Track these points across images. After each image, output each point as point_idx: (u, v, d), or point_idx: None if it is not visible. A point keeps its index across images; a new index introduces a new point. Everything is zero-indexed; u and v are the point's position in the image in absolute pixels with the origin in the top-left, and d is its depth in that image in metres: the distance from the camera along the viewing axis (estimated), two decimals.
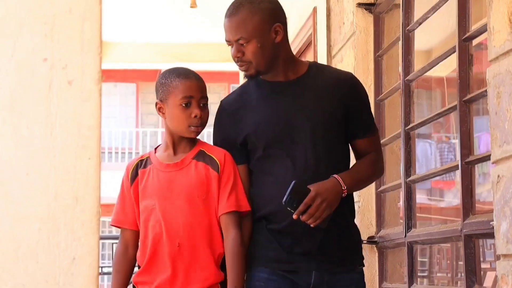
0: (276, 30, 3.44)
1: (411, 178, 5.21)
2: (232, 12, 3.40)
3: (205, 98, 3.72)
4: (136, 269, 3.83)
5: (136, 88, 24.98)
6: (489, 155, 3.39)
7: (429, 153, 11.53)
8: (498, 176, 3.25)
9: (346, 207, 3.64)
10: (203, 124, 3.71)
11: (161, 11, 9.42)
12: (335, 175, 3.47)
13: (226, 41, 3.48)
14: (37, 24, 2.30)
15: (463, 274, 4.45)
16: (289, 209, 3.35)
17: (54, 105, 2.30)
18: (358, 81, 3.75)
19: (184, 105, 3.65)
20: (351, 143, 3.69)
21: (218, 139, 3.77)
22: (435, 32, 7.04)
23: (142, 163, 3.80)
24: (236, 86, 13.64)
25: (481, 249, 4.51)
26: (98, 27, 2.34)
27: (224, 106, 3.72)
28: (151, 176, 3.73)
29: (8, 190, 2.27)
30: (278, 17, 3.50)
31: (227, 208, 3.68)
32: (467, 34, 4.12)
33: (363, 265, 3.74)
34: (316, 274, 3.48)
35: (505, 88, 3.12)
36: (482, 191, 6.52)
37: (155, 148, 3.89)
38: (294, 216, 3.32)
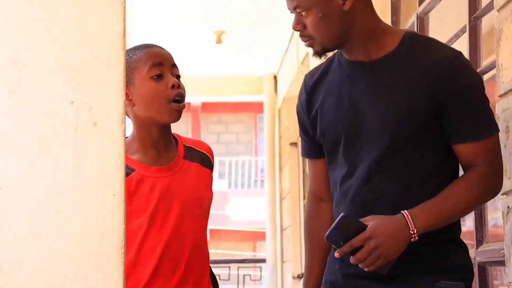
0: None
1: None
2: None
3: (177, 68, 2.93)
4: None
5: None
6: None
7: None
8: (508, 207, 3.25)
9: None
10: (183, 98, 2.88)
11: (188, 47, 9.34)
12: (405, 212, 2.45)
13: (288, 8, 2.64)
14: (65, 69, 2.34)
15: None
16: (333, 246, 2.55)
17: (80, 145, 2.33)
18: (464, 65, 2.56)
19: (155, 77, 2.84)
20: (454, 149, 2.58)
21: (298, 120, 2.88)
22: None
23: None
24: (261, 116, 13.54)
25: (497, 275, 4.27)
26: (122, 72, 2.36)
27: (304, 82, 2.84)
28: (142, 185, 2.87)
29: (38, 227, 2.30)
30: None
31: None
32: (478, 70, 4.12)
33: (461, 284, 2.57)
34: None
35: None
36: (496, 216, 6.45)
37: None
38: (336, 255, 2.50)
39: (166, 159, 2.90)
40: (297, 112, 2.82)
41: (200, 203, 2.91)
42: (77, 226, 2.31)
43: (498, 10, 3.35)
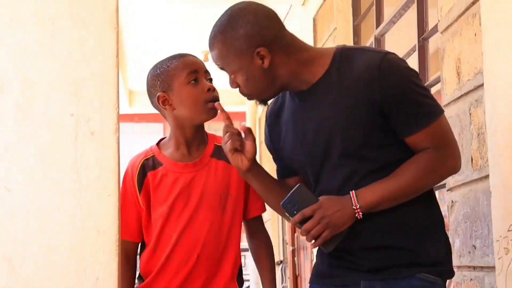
0: (261, 55, 2.37)
1: None
2: (209, 46, 2.50)
3: (209, 73, 2.83)
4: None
5: (163, 127, 25.12)
6: (444, 184, 3.38)
7: None
8: (452, 201, 3.27)
9: (404, 207, 2.38)
10: (218, 98, 2.78)
11: None
12: (352, 191, 2.32)
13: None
14: (65, 86, 2.29)
15: None
16: (287, 214, 2.37)
17: (79, 152, 2.28)
18: (391, 63, 2.34)
19: (193, 81, 2.76)
20: (406, 142, 2.38)
21: (267, 145, 2.72)
22: None
23: (148, 163, 2.81)
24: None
25: None
26: (115, 87, 2.32)
27: (266, 116, 2.68)
28: (165, 179, 2.77)
29: (43, 224, 2.25)
30: (259, 38, 2.39)
31: (259, 210, 2.87)
32: (426, 84, 4.13)
33: (438, 278, 2.39)
34: (364, 285, 2.37)
35: (455, 129, 3.12)
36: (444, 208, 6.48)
37: (157, 146, 2.88)
38: (290, 222, 2.40)
39: (194, 156, 2.78)
40: (265, 143, 2.70)
41: (220, 198, 2.75)
42: (76, 223, 2.26)
43: (441, 33, 3.37)
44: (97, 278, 2.25)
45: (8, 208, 2.24)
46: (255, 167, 2.50)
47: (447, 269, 2.41)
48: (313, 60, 2.43)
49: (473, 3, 2.97)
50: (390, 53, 2.39)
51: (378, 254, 2.35)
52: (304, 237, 2.34)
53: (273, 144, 2.61)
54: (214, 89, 2.77)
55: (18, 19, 2.31)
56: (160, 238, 2.74)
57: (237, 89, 2.51)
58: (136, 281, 2.78)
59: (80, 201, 2.26)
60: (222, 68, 2.47)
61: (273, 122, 2.60)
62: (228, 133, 2.49)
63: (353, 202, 2.30)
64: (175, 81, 2.76)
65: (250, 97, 2.50)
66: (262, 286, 2.85)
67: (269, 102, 2.55)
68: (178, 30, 8.00)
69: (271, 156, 2.70)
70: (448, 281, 3.98)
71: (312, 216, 2.29)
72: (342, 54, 2.39)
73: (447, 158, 2.35)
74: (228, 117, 2.55)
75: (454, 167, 2.38)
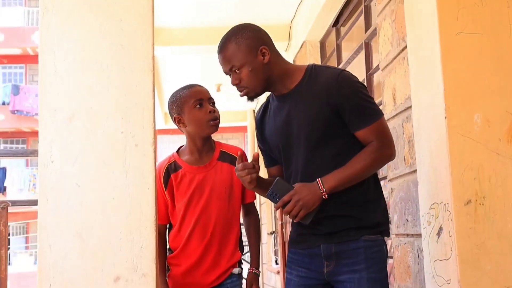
0: (263, 52, 2.35)
1: None
2: (221, 48, 2.42)
3: (211, 99, 2.79)
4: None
5: None
6: (386, 176, 3.38)
7: None
8: (392, 188, 3.25)
9: (356, 188, 2.33)
10: (218, 118, 2.76)
11: None
12: (319, 178, 2.27)
13: (224, 72, 2.47)
14: (117, 112, 2.31)
15: None
16: (272, 201, 2.31)
17: (127, 159, 2.30)
18: (346, 77, 2.34)
19: (198, 106, 2.73)
20: (355, 135, 2.34)
21: (258, 143, 2.64)
22: None
23: (171, 167, 2.79)
24: (247, 135, 13.48)
25: None
26: (152, 112, 2.34)
27: (255, 118, 2.61)
28: (184, 178, 2.76)
29: (103, 209, 2.27)
30: (262, 40, 2.38)
31: (252, 198, 2.86)
32: None
33: (379, 236, 2.34)
34: (324, 247, 2.31)
35: (393, 137, 3.09)
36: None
37: (177, 153, 2.87)
38: (274, 209, 2.55)
39: (205, 160, 2.77)
40: (258, 142, 2.60)
41: (226, 191, 2.75)
42: (126, 208, 2.27)
43: (382, 70, 3.36)
44: (141, 247, 2.26)
45: (79, 199, 2.26)
46: (257, 183, 2.40)
47: (385, 229, 2.37)
48: (293, 71, 2.40)
49: (402, 50, 2.98)
50: (345, 70, 2.39)
51: (333, 221, 2.31)
52: (287, 216, 2.30)
53: (262, 139, 2.54)
54: (214, 111, 2.74)
55: (84, 66, 2.32)
56: (183, 222, 2.73)
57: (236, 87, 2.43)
58: (167, 252, 2.80)
59: (128, 193, 2.27)
60: (229, 69, 2.39)
61: (260, 123, 2.53)
62: (246, 170, 2.33)
63: (320, 187, 2.24)
64: (186, 106, 2.75)
65: (246, 91, 2.40)
66: (250, 251, 2.86)
67: (256, 107, 2.57)
68: (199, 68, 8.01)
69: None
70: (388, 244, 3.98)
71: (290, 200, 2.25)
72: (312, 70, 2.38)
73: (386, 148, 2.32)
74: (243, 155, 2.40)
75: (390, 155, 2.35)
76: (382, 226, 2.35)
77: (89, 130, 2.29)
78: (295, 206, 2.25)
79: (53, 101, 2.30)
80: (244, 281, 2.83)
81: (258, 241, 2.85)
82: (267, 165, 2.59)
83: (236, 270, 2.75)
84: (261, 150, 2.59)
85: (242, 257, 2.87)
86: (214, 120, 2.73)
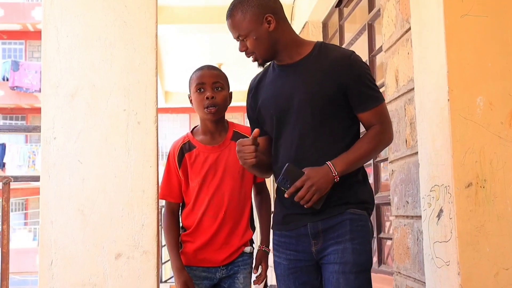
0: (268, 20, 2.29)
1: None
2: (228, 15, 2.36)
3: (217, 83, 2.70)
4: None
5: (189, 117, 24.38)
6: (387, 158, 3.39)
7: None
8: (392, 170, 3.26)
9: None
10: (215, 105, 2.67)
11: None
12: (328, 162, 2.21)
13: (234, 38, 2.39)
14: (119, 89, 2.32)
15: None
16: (283, 188, 2.22)
17: (130, 136, 2.31)
18: (357, 59, 2.30)
19: (198, 90, 2.68)
20: (358, 117, 2.31)
21: (246, 113, 2.57)
22: None
23: (185, 147, 2.75)
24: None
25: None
26: (154, 90, 2.34)
27: (249, 85, 2.52)
28: (198, 158, 2.71)
29: (104, 186, 2.28)
30: (268, 8, 2.32)
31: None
32: None
33: (364, 211, 2.29)
34: (310, 226, 2.25)
35: (394, 119, 3.12)
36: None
37: (191, 133, 2.80)
38: (286, 195, 2.22)
39: (218, 140, 2.70)
40: (246, 106, 2.50)
41: (238, 170, 2.69)
42: (128, 185, 2.29)
43: (385, 52, 3.35)
44: (143, 224, 2.28)
45: (81, 175, 2.27)
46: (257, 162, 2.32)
47: (371, 207, 2.33)
48: (301, 43, 2.36)
49: (406, 32, 2.96)
50: (355, 52, 2.37)
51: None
52: (299, 201, 2.20)
53: (254, 107, 2.44)
54: (213, 97, 2.66)
55: (87, 43, 2.32)
56: (196, 200, 2.69)
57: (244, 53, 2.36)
58: (180, 230, 2.76)
59: (130, 170, 2.28)
60: (237, 37, 2.34)
61: (255, 90, 2.45)
62: (249, 152, 2.27)
63: (331, 170, 2.18)
64: (191, 88, 2.72)
65: (254, 57, 2.34)
66: (260, 228, 2.85)
67: (264, 67, 2.42)
68: (200, 47, 7.98)
69: None
70: (387, 226, 4.02)
71: (302, 186, 2.17)
72: (321, 46, 2.33)
73: (387, 132, 2.31)
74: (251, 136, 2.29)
75: (390, 138, 2.34)
76: (367, 204, 2.31)
77: (91, 107, 2.29)
78: (308, 191, 2.18)
79: (56, 78, 2.30)
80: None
81: (269, 219, 2.81)
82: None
83: (247, 249, 2.73)
84: (249, 119, 2.50)
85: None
86: (209, 107, 2.66)
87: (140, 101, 2.32)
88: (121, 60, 2.32)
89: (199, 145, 2.73)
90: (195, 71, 2.77)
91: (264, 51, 2.32)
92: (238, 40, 2.35)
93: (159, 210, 2.41)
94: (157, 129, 2.35)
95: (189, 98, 2.77)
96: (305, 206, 2.19)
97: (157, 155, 2.35)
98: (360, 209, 2.27)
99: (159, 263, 2.42)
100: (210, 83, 2.68)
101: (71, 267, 2.24)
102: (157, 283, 2.30)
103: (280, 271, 2.35)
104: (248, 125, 2.59)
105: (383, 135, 2.30)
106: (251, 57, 2.35)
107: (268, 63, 2.40)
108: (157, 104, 2.36)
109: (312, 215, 2.25)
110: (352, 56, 2.29)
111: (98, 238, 2.26)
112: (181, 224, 2.77)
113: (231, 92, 2.78)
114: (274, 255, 2.38)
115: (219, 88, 2.69)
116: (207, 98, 2.64)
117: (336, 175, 2.18)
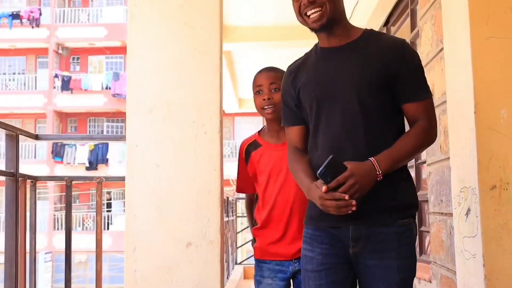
0: None
1: None
2: None
3: (274, 83, 2.47)
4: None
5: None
6: (425, 161, 3.37)
7: None
8: (429, 172, 3.24)
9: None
10: (272, 104, 2.46)
11: None
12: (372, 158, 1.84)
13: None
14: (190, 105, 2.39)
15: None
16: (323, 181, 1.83)
17: (198, 144, 2.38)
18: (410, 47, 1.97)
19: (257, 93, 2.49)
20: (403, 109, 1.93)
21: (282, 100, 2.15)
22: None
23: (252, 146, 2.56)
24: None
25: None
26: (219, 106, 2.40)
27: (287, 70, 2.15)
28: (263, 156, 2.53)
29: (177, 186, 2.36)
30: None
31: None
32: None
33: (410, 219, 1.93)
34: (353, 229, 1.88)
35: None
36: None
37: (258, 133, 2.62)
38: (324, 189, 1.81)
39: (282, 140, 2.47)
40: (283, 91, 2.13)
41: None
42: (196, 186, 2.36)
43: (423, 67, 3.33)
44: (209, 219, 2.35)
45: (158, 177, 2.36)
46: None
47: (416, 209, 1.99)
48: (351, 27, 2.03)
49: (440, 51, 2.94)
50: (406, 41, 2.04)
51: (364, 199, 1.84)
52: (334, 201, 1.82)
53: (292, 91, 2.07)
54: (269, 98, 2.47)
55: (163, 66, 2.42)
56: (263, 198, 2.52)
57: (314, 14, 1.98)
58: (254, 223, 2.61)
59: (198, 173, 2.36)
60: None
61: (294, 74, 2.08)
62: (336, 204, 1.83)
63: (376, 168, 1.82)
64: (253, 91, 2.55)
65: (321, 13, 1.96)
66: None
67: (319, 31, 2.01)
68: (270, 61, 8.03)
69: None
70: (426, 220, 3.96)
71: (345, 182, 1.80)
72: (371, 33, 2.01)
73: (433, 129, 1.97)
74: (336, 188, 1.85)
75: (435, 137, 2.00)
76: (414, 208, 1.98)
77: (166, 120, 2.38)
78: (350, 189, 1.80)
79: (138, 96, 2.40)
80: None
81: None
82: (288, 123, 2.14)
83: None
84: (285, 105, 2.13)
85: None
86: (267, 107, 2.48)
87: (207, 114, 2.39)
88: (191, 80, 2.41)
89: (264, 143, 2.59)
90: (255, 74, 2.60)
91: (335, 7, 1.97)
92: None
93: (223, 207, 2.47)
94: (221, 138, 2.41)
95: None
96: (345, 198, 1.80)
97: (221, 160, 2.42)
98: (407, 218, 1.92)
99: (223, 251, 2.47)
100: (267, 85, 2.52)
101: (150, 253, 2.34)
102: (221, 267, 2.37)
103: (312, 266, 1.97)
104: None
105: (430, 132, 1.95)
106: (315, 11, 1.96)
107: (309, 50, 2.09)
108: (221, 117, 2.43)
109: (356, 217, 1.86)
110: (405, 44, 1.96)
111: (172, 230, 2.35)
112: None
113: None
114: (305, 249, 2.02)
115: (276, 89, 2.49)
116: (264, 99, 2.49)
117: (380, 174, 1.83)
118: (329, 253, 1.94)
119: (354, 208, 1.80)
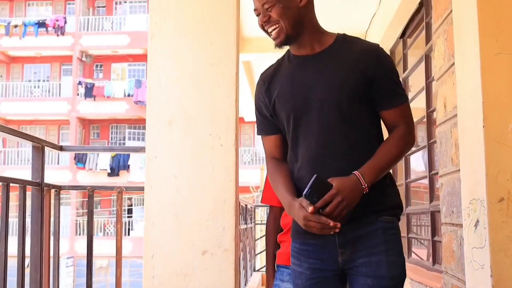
0: None
1: (409, 179, 5.07)
2: None
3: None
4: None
5: None
6: (438, 172, 3.40)
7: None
8: (441, 183, 3.26)
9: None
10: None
11: None
12: (357, 172, 1.78)
13: (254, 10, 1.92)
14: (207, 118, 2.48)
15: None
16: (309, 202, 1.76)
17: (214, 156, 2.46)
18: (384, 52, 1.90)
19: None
20: (381, 116, 1.90)
21: (256, 109, 2.05)
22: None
23: None
24: None
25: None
26: (235, 118, 2.48)
27: (260, 78, 2.03)
28: None
29: (194, 196, 2.43)
30: None
31: None
32: (429, 110, 4.12)
33: (395, 218, 1.90)
34: (338, 235, 1.82)
35: (443, 139, 3.14)
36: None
37: None
38: (310, 209, 1.74)
39: None
40: (256, 101, 2.02)
41: None
42: (212, 195, 2.43)
43: (436, 80, 3.37)
44: (224, 228, 2.42)
45: (176, 187, 2.43)
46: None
47: (401, 211, 1.94)
48: (322, 34, 1.94)
49: (452, 65, 2.98)
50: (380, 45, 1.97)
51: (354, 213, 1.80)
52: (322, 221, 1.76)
53: (267, 102, 1.97)
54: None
55: (181, 80, 2.50)
56: None
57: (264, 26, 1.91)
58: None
59: (214, 183, 2.43)
60: (262, 5, 1.89)
61: (268, 84, 1.98)
62: (320, 226, 1.78)
63: (361, 182, 1.77)
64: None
65: (277, 31, 1.88)
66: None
67: (282, 48, 1.94)
68: None
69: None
70: (438, 230, 3.99)
71: (332, 200, 1.75)
72: (344, 38, 1.94)
73: (412, 134, 1.93)
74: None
75: (414, 140, 1.96)
76: (399, 209, 1.92)
77: (184, 132, 2.46)
78: (338, 207, 1.75)
79: (157, 108, 2.49)
80: None
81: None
82: (264, 133, 2.04)
83: None
84: (260, 116, 2.03)
85: None
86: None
87: (223, 127, 2.47)
88: (208, 94, 2.49)
89: None
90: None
91: (290, 22, 1.87)
92: (259, 12, 1.92)
93: (238, 216, 2.54)
94: (236, 150, 2.49)
95: None
96: (330, 224, 1.74)
97: (237, 171, 2.49)
98: (391, 216, 1.89)
99: (238, 259, 2.54)
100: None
101: (168, 260, 2.42)
102: (236, 275, 2.44)
103: (302, 281, 1.91)
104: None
105: (409, 136, 1.92)
106: (272, 29, 1.89)
107: (279, 59, 2.01)
108: (236, 129, 2.51)
109: (341, 224, 1.79)
110: (379, 49, 1.90)
111: (188, 238, 2.42)
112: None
113: None
114: (293, 264, 1.96)
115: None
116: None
117: (365, 187, 1.79)
118: (317, 267, 1.88)
119: (337, 230, 1.76)
